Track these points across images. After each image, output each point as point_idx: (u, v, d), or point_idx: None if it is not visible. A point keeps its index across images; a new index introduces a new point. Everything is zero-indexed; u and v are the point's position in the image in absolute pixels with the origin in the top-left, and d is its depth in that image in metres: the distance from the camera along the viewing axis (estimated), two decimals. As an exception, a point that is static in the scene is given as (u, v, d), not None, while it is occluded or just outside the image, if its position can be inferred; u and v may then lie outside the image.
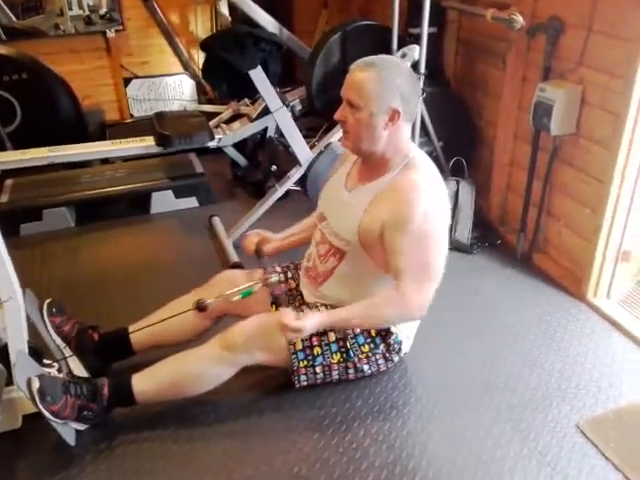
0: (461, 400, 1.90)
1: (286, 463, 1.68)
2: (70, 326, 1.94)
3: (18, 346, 1.69)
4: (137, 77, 4.28)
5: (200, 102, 4.41)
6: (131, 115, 4.34)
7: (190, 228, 3.04)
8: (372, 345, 1.85)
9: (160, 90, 4.35)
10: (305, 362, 1.81)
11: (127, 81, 4.26)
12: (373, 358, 1.88)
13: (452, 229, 2.73)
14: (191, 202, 3.22)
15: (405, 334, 1.90)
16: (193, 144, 3.08)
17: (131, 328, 1.97)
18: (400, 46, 2.87)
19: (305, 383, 1.86)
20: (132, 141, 3.10)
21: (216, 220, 2.96)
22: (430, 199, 1.62)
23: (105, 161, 3.58)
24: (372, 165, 1.74)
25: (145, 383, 1.76)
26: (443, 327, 2.21)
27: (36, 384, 1.58)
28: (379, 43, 2.97)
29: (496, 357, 2.10)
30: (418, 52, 2.61)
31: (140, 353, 1.97)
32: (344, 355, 1.83)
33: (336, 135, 2.83)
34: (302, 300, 1.97)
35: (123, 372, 1.84)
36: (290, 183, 2.89)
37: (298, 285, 2.01)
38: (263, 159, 3.33)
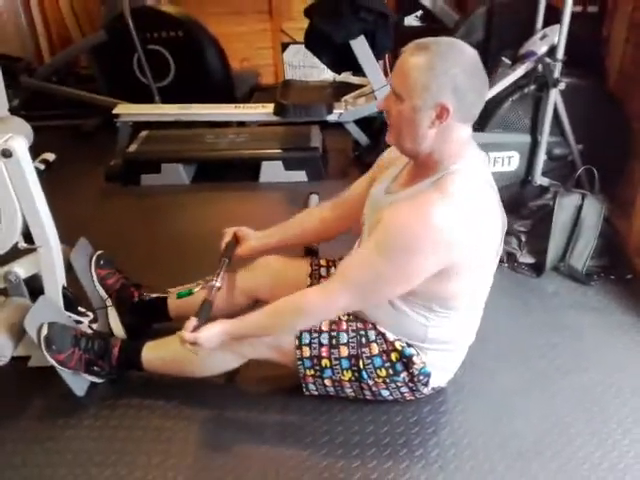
0: (490, 465, 1.54)
1: (262, 473, 1.54)
2: (114, 280, 1.98)
3: (50, 291, 1.79)
4: (295, 42, 4.28)
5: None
6: (285, 80, 4.37)
7: (291, 203, 2.95)
8: (391, 371, 1.60)
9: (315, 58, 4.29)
10: (312, 371, 1.63)
11: (285, 46, 4.29)
12: (393, 385, 1.63)
13: (567, 252, 2.26)
14: (300, 176, 3.13)
15: (437, 365, 1.61)
16: (310, 116, 2.97)
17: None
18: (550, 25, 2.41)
19: (315, 393, 1.69)
20: (254, 107, 3.10)
21: (313, 198, 2.81)
22: (434, 225, 1.29)
23: (242, 124, 3.65)
24: (419, 167, 1.46)
25: (154, 353, 1.75)
26: (510, 369, 1.83)
27: (44, 331, 1.64)
28: (529, 20, 2.54)
29: (567, 427, 1.65)
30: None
31: (177, 320, 1.96)
32: (356, 374, 1.61)
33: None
34: None
35: (141, 337, 1.84)
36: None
37: None
38: (382, 141, 3.08)
